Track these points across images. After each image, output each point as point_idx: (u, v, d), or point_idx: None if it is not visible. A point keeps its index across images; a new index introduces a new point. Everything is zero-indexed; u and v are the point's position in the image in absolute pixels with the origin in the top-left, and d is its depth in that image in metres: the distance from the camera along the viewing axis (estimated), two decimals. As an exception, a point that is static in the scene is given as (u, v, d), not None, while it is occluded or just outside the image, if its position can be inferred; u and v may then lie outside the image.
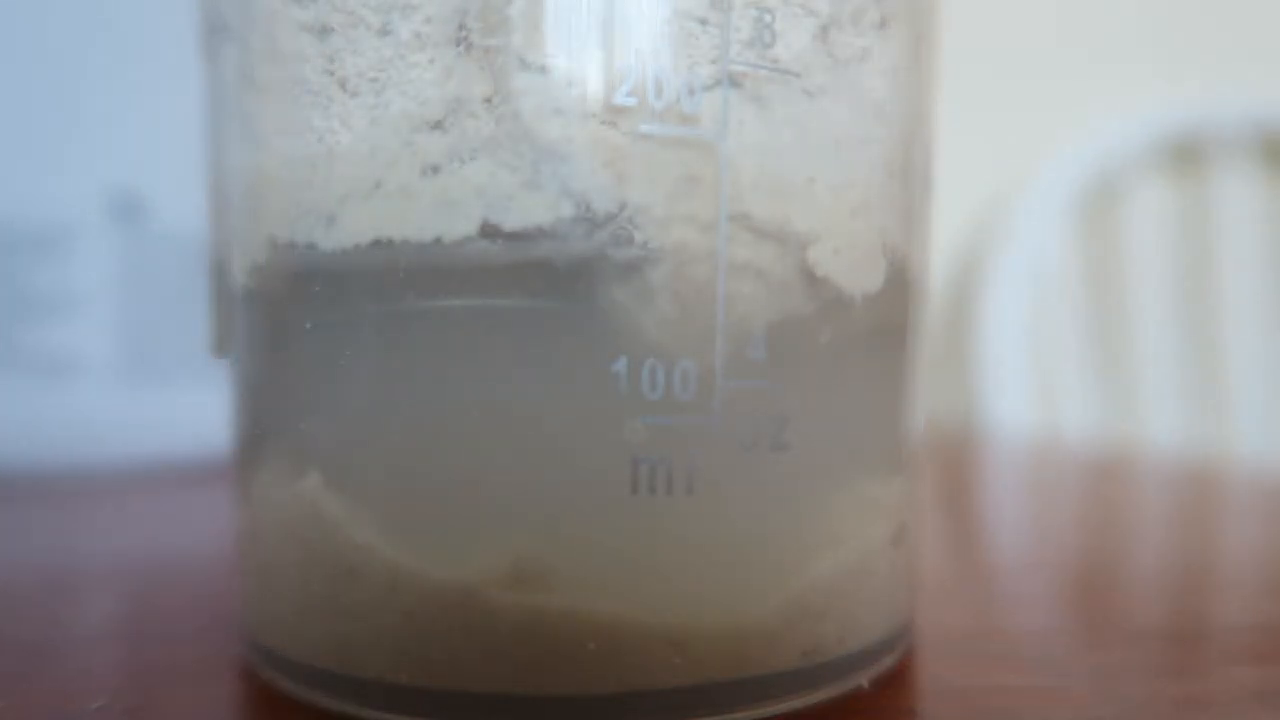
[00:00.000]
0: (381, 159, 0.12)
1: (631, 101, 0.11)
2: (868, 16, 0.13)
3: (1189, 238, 0.72)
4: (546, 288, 0.11)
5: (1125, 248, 0.72)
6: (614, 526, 0.12)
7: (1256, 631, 0.17)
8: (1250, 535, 0.27)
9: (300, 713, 0.13)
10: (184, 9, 0.17)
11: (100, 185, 0.32)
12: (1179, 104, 0.71)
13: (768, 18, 0.12)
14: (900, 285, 0.14)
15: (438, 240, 0.12)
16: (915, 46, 0.14)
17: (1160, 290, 0.71)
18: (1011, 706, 0.13)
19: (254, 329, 0.14)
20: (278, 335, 0.13)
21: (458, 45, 0.11)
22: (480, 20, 0.11)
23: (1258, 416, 0.70)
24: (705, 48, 0.12)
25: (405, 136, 0.12)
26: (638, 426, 0.11)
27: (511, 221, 0.11)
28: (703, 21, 0.12)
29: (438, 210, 0.12)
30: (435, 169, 0.12)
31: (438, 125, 0.11)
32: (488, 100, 0.11)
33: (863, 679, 0.13)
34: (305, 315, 0.12)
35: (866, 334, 0.13)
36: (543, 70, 0.11)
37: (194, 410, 0.30)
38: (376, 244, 0.12)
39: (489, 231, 0.11)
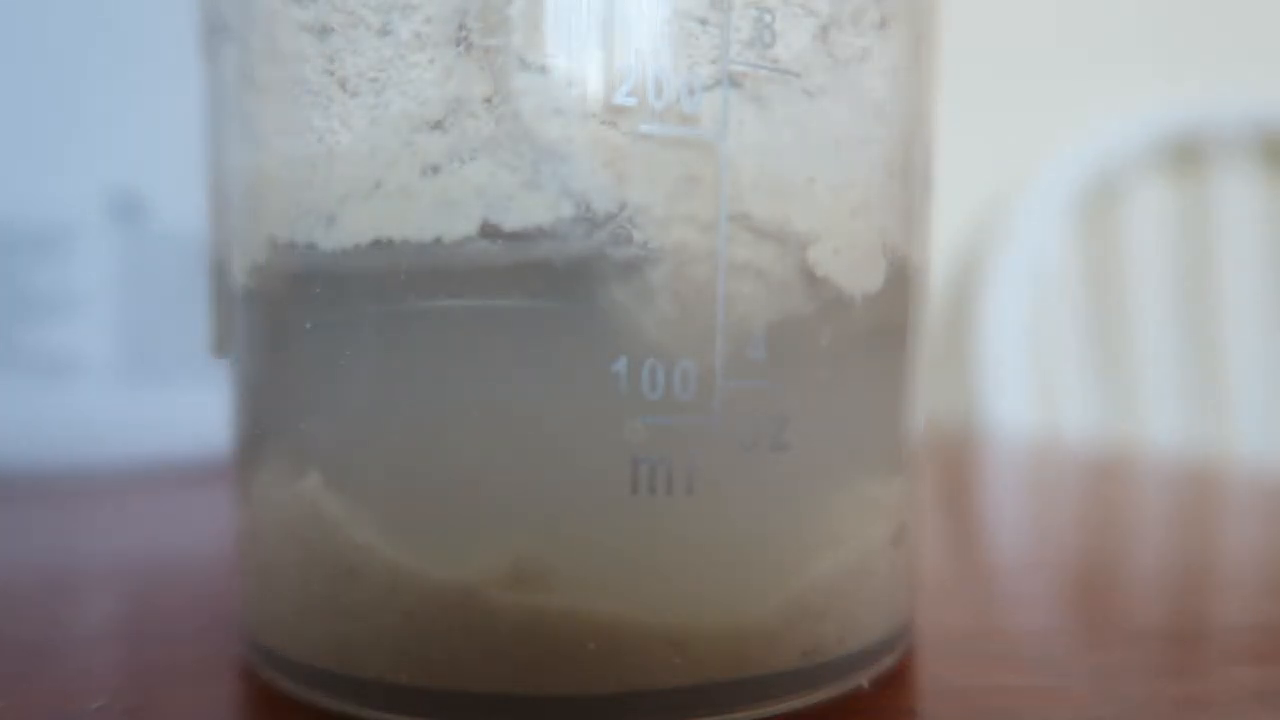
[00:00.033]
0: (381, 159, 0.12)
1: (631, 101, 0.11)
2: (868, 16, 0.13)
3: (1189, 238, 0.72)
4: (546, 288, 0.11)
5: (1125, 248, 0.72)
6: (614, 526, 0.12)
7: (1256, 631, 0.17)
8: (1250, 535, 0.27)
9: (300, 713, 0.13)
10: (184, 9, 0.17)
11: (100, 185, 0.32)
12: (1179, 104, 0.71)
13: (768, 18, 0.12)
14: (900, 285, 0.14)
15: (438, 240, 0.12)
16: (915, 46, 0.14)
17: (1160, 290, 0.71)
18: (1011, 706, 0.13)
19: (254, 329, 0.14)
20: (278, 335, 0.13)
21: (458, 45, 0.11)
22: (480, 20, 0.11)
23: (1258, 416, 0.70)
24: (705, 48, 0.12)
25: (405, 136, 0.12)
26: (638, 426, 0.11)
27: (511, 221, 0.11)
28: (703, 21, 0.12)
29: (438, 210, 0.12)
30: (435, 169, 0.12)
31: (438, 125, 0.11)
32: (488, 100, 0.11)
33: (863, 679, 0.13)
34: (305, 315, 0.12)
35: (866, 334, 0.13)
36: (543, 70, 0.11)
37: (194, 410, 0.30)
38: (376, 244, 0.12)
39: (489, 231, 0.11)
